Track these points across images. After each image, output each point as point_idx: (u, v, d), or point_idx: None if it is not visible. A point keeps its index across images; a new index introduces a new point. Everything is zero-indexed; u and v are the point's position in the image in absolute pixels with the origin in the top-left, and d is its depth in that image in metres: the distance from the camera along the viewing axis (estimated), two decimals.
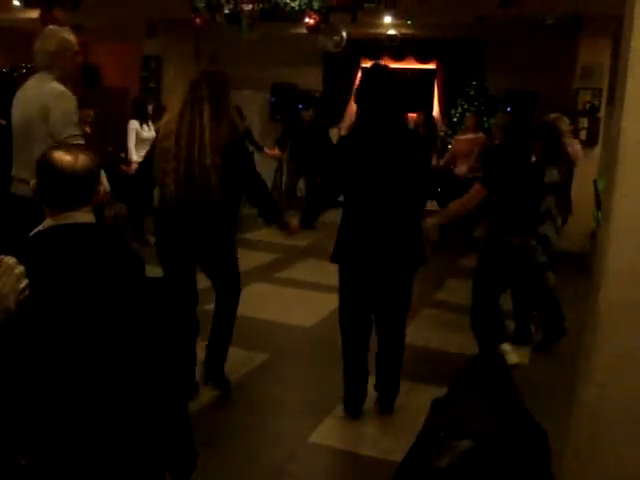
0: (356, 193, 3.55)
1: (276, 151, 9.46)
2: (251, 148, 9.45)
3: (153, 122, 8.18)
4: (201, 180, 3.49)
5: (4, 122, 4.68)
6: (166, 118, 3.73)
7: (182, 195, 3.53)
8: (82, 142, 3.58)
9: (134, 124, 8.01)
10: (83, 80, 12.63)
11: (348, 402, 3.75)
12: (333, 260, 3.68)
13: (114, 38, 11.52)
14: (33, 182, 2.00)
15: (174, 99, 3.75)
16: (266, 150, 9.43)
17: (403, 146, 3.49)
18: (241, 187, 3.72)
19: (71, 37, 3.78)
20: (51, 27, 3.91)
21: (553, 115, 5.22)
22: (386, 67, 3.77)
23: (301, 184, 10.61)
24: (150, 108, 8.47)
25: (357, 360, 3.70)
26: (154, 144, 3.74)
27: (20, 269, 1.69)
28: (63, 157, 1.92)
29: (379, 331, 3.72)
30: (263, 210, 3.84)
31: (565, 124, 5.13)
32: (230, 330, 3.96)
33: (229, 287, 3.95)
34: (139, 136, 7.91)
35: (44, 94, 3.60)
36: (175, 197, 3.54)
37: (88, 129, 6.11)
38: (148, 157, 3.74)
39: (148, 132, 7.91)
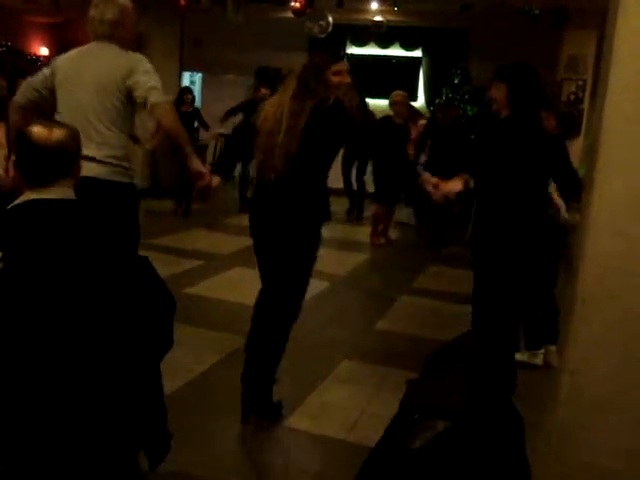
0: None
1: (213, 131, 9.36)
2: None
3: None
4: (278, 160, 3.36)
5: None
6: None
7: (268, 174, 3.39)
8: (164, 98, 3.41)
9: None
10: None
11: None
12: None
13: None
14: (13, 157, 1.98)
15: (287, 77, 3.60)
16: (211, 131, 9.39)
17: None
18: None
19: (130, 4, 3.53)
20: None
21: None
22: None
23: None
24: None
25: None
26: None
27: None
28: (38, 130, 1.91)
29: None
30: None
31: None
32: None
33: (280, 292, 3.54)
34: None
35: (118, 61, 3.38)
36: (272, 176, 3.37)
37: None
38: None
39: None
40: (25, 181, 1.94)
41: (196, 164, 3.45)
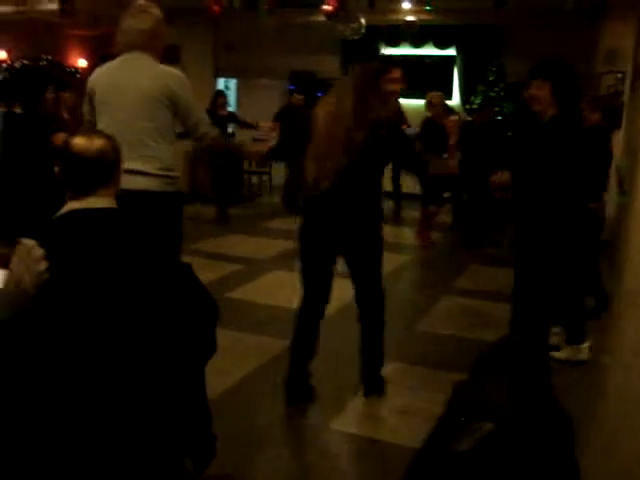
0: None
1: (270, 124, 9.29)
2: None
3: None
4: (327, 166, 3.49)
5: (19, 110, 4.64)
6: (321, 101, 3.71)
7: (318, 180, 3.52)
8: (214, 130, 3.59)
9: None
10: None
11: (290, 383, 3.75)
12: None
13: None
14: (57, 168, 2.02)
15: (339, 85, 3.73)
16: (261, 124, 9.28)
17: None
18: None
19: (162, 15, 3.52)
20: (141, 2, 3.56)
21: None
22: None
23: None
24: None
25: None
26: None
27: (39, 252, 1.69)
28: (79, 141, 1.94)
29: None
30: None
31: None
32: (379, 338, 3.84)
33: (371, 285, 3.79)
34: None
35: (160, 76, 3.37)
36: (330, 185, 3.50)
37: (67, 115, 5.87)
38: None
39: None
40: (67, 191, 1.97)
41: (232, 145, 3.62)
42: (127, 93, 3.36)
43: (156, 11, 3.50)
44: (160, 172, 3.38)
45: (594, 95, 5.76)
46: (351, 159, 3.40)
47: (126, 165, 3.30)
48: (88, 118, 3.55)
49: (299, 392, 3.74)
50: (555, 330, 4.34)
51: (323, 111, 3.54)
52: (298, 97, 9.63)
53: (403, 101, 8.79)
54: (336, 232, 3.58)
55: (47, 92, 5.12)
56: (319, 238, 3.61)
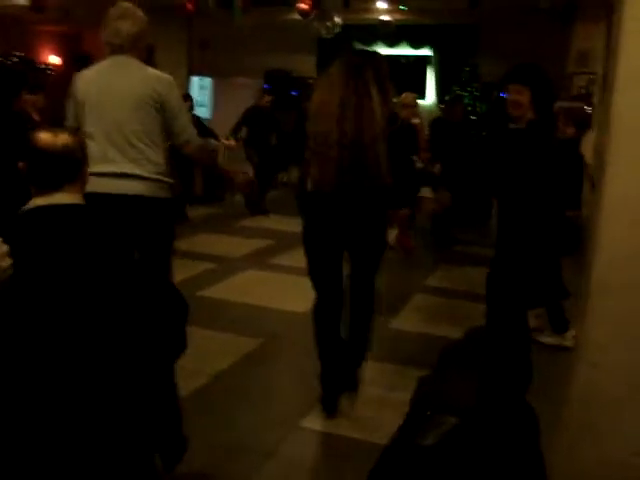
0: None
1: (232, 142, 9.29)
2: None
3: None
4: (372, 167, 3.32)
5: None
6: (318, 99, 3.46)
7: (344, 182, 3.33)
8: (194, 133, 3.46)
9: None
10: (76, 69, 12.60)
11: (325, 396, 3.66)
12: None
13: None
14: (21, 163, 1.99)
15: (323, 80, 3.52)
16: (222, 141, 9.28)
17: None
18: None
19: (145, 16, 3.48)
20: (126, 4, 3.48)
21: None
22: None
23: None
24: None
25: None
26: (299, 125, 3.51)
27: (4, 248, 1.67)
28: (44, 136, 1.92)
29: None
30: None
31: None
32: (366, 332, 3.75)
33: (368, 280, 3.72)
34: None
35: (149, 80, 3.31)
36: (335, 184, 3.34)
37: (36, 116, 5.81)
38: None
39: None
40: (33, 187, 1.95)
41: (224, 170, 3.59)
42: (116, 97, 3.29)
43: (141, 13, 3.45)
44: (153, 176, 3.30)
45: (569, 108, 5.89)
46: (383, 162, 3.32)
47: (115, 168, 3.25)
48: (70, 123, 3.48)
49: (335, 398, 3.65)
50: (536, 312, 4.51)
51: (321, 106, 3.38)
52: (267, 99, 9.61)
53: None
54: (345, 228, 3.47)
55: (21, 94, 5.06)
56: (326, 236, 3.52)
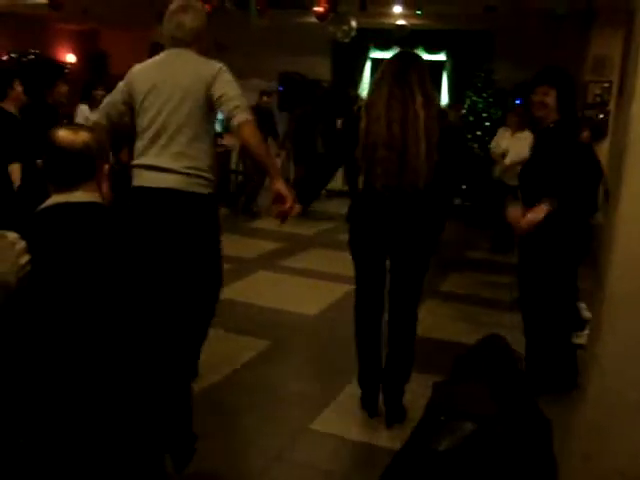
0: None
1: (231, 140, 9.38)
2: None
3: None
4: (415, 170, 3.25)
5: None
6: (367, 101, 3.42)
7: (392, 185, 3.28)
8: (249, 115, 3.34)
9: (83, 109, 7.39)
10: (92, 67, 12.67)
11: (365, 396, 3.64)
12: None
13: (123, 25, 11.50)
14: (39, 160, 2.00)
15: (372, 85, 3.48)
16: (224, 136, 9.46)
17: None
18: (455, 177, 3.60)
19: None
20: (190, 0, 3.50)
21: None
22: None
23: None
24: (100, 94, 7.66)
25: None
26: (352, 124, 3.40)
27: (22, 245, 1.67)
28: (63, 134, 1.92)
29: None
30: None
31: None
32: (411, 347, 3.55)
33: (410, 289, 3.55)
34: (88, 123, 7.35)
35: (202, 73, 3.31)
36: (384, 187, 3.29)
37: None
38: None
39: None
40: (50, 184, 1.95)
41: (280, 186, 3.29)
42: (168, 91, 3.30)
43: (201, 7, 3.48)
44: (190, 171, 3.29)
45: (583, 115, 5.96)
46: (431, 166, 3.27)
47: (156, 162, 3.29)
48: (97, 118, 3.49)
49: (375, 399, 3.61)
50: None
51: (375, 112, 3.31)
52: (267, 100, 9.76)
53: None
54: (391, 231, 3.39)
55: (57, 86, 5.06)
56: (373, 239, 3.44)
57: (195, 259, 3.36)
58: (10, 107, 4.80)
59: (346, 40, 9.36)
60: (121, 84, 3.49)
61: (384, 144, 3.26)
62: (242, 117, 3.28)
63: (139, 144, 3.41)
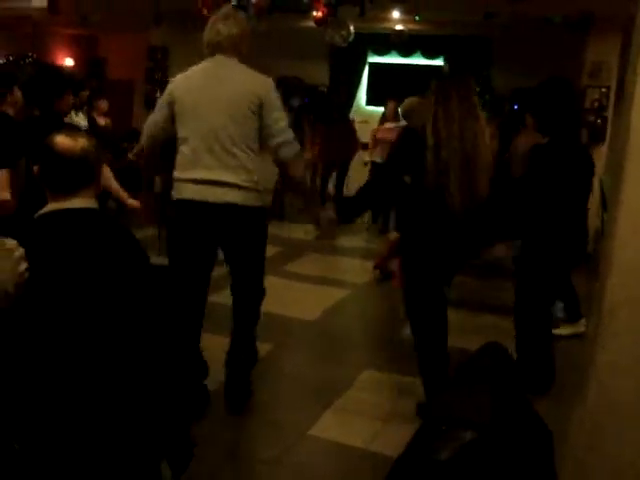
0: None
1: None
2: None
3: (89, 110, 7.60)
4: (483, 188, 3.31)
5: (37, 113, 4.54)
6: (432, 122, 3.35)
7: (468, 205, 3.30)
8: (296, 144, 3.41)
9: (72, 114, 7.09)
10: (90, 72, 12.66)
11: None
12: None
13: (121, 30, 11.49)
14: (36, 167, 1.99)
15: (426, 101, 3.53)
16: None
17: None
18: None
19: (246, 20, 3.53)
20: (228, 7, 3.54)
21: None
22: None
23: None
24: (85, 95, 7.81)
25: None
26: (411, 148, 3.42)
27: (20, 252, 1.67)
28: (63, 140, 1.92)
29: None
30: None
31: None
32: None
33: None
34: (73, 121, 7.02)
35: (247, 82, 3.30)
36: (462, 207, 3.29)
37: (104, 121, 5.78)
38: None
39: (83, 120, 7.33)
40: (48, 191, 1.95)
41: (314, 208, 3.64)
42: (213, 100, 3.25)
43: (243, 16, 3.50)
44: (247, 184, 3.27)
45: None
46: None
47: (211, 175, 3.22)
48: (149, 132, 3.45)
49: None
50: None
51: (444, 132, 3.31)
52: None
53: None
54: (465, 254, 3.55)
55: (65, 95, 5.08)
56: (447, 262, 3.48)
57: (249, 270, 3.52)
58: (8, 112, 4.78)
59: (344, 45, 9.35)
60: (161, 101, 3.44)
61: (460, 165, 3.25)
62: (289, 153, 3.34)
63: (185, 156, 3.33)
